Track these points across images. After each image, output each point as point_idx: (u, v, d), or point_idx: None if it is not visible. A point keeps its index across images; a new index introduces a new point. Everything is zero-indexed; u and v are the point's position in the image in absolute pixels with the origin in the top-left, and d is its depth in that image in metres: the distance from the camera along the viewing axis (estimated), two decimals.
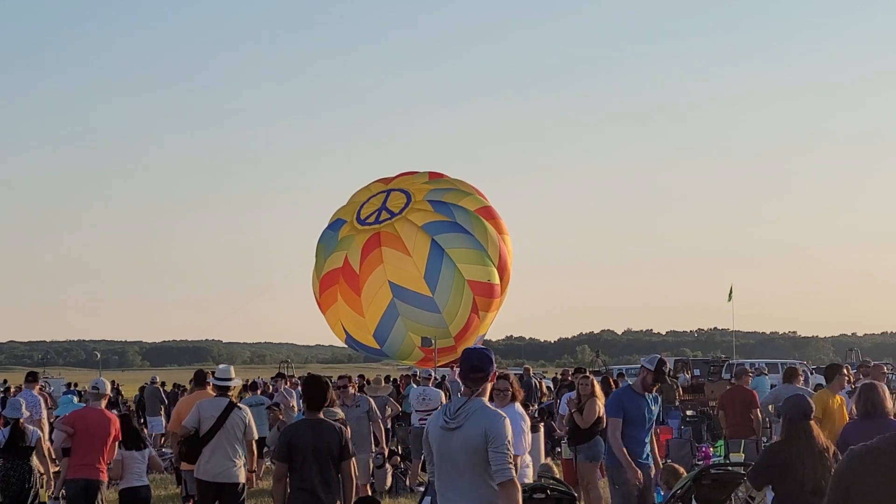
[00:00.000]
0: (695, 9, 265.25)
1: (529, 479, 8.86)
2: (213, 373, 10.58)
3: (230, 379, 9.57)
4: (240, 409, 9.39)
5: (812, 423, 6.70)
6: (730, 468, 9.75)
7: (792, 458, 6.47)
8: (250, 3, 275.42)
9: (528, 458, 8.63)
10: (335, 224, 31.58)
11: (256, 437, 9.71)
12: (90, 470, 9.49)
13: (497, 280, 29.94)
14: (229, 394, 9.56)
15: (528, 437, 8.74)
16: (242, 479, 9.30)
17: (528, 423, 8.90)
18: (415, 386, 22.34)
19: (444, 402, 14.53)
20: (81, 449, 9.49)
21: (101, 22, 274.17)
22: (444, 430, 5.34)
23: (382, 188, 31.85)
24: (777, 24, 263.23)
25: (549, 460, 13.42)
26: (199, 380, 11.21)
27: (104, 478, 9.67)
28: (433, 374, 22.10)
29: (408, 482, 15.07)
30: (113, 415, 10.09)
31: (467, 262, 29.16)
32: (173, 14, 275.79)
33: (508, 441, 5.20)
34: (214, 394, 9.78)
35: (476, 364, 5.42)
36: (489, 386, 5.49)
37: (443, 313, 28.93)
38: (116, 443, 9.70)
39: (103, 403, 10.01)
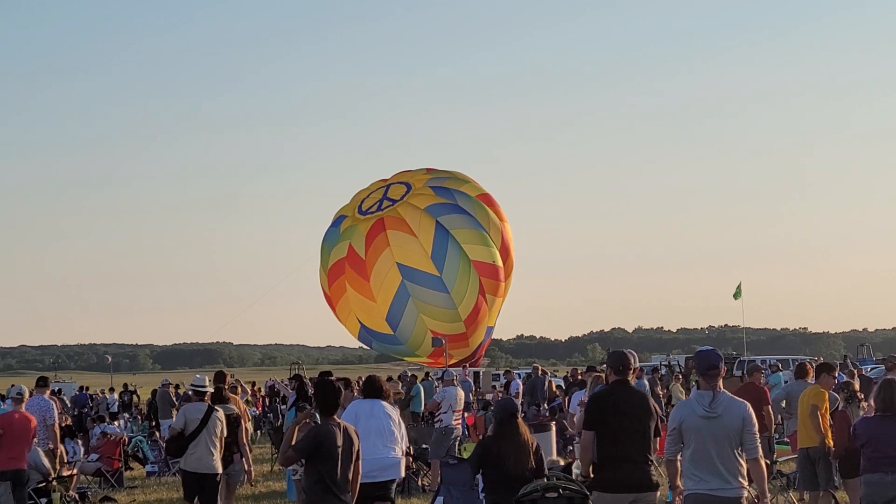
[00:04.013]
0: (708, 8, 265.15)
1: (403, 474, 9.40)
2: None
3: (205, 386, 11.26)
4: (217, 411, 10.99)
5: (519, 420, 8.06)
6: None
7: (500, 450, 7.85)
8: (259, 9, 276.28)
9: (395, 456, 9.11)
10: (337, 221, 31.83)
11: (227, 435, 11.24)
12: (18, 461, 11.19)
13: (500, 262, 30.08)
14: (205, 398, 11.18)
15: (398, 432, 9.30)
16: (220, 469, 10.92)
17: (396, 419, 9.41)
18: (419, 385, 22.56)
19: (460, 399, 15.30)
20: (9, 445, 11.08)
21: (111, 27, 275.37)
22: (705, 418, 6.62)
23: (381, 185, 32.10)
24: (791, 23, 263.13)
25: (560, 459, 13.42)
26: (219, 378, 12.99)
27: (26, 467, 11.51)
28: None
29: (422, 482, 15.08)
30: (32, 416, 11.84)
31: (472, 243, 29.33)
32: (182, 19, 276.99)
33: (756, 424, 6.71)
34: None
35: (714, 363, 6.72)
36: (721, 380, 6.78)
37: (451, 293, 29.07)
38: (34, 438, 11.81)
39: (24, 406, 11.79)
